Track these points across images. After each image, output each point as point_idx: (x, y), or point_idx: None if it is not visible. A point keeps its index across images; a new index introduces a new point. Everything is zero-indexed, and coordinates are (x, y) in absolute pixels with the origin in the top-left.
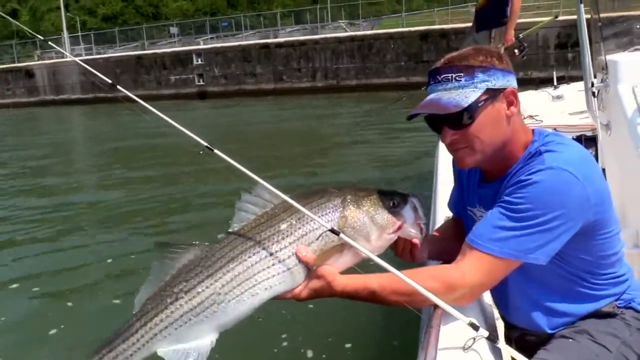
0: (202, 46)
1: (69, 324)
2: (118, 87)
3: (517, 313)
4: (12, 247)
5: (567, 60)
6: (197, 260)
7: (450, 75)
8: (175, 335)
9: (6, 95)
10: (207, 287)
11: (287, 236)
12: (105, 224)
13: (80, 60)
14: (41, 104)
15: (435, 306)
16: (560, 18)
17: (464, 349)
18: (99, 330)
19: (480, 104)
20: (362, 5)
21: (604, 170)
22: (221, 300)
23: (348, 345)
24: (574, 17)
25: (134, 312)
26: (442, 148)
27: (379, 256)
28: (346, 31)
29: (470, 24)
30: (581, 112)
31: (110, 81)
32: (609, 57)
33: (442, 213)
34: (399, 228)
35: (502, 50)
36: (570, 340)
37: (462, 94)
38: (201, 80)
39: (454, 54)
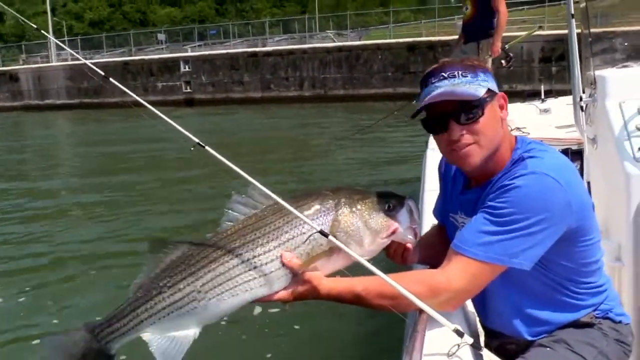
0: (189, 53)
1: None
2: (129, 91)
3: (499, 319)
4: None
5: (551, 73)
6: (184, 257)
7: (456, 71)
8: (159, 325)
9: None
10: (188, 285)
11: (273, 240)
12: (86, 227)
13: (67, 64)
14: (25, 109)
15: (421, 311)
16: (545, 32)
17: (448, 355)
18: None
19: (487, 100)
20: (350, 16)
21: (589, 184)
22: (201, 298)
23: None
24: (558, 31)
25: (127, 297)
26: (429, 156)
27: (367, 260)
28: (334, 41)
29: (456, 37)
30: (568, 126)
31: (120, 86)
32: (597, 72)
33: (429, 220)
34: (394, 232)
35: (490, 61)
36: (548, 349)
37: (471, 87)
38: (188, 87)
39: (447, 60)
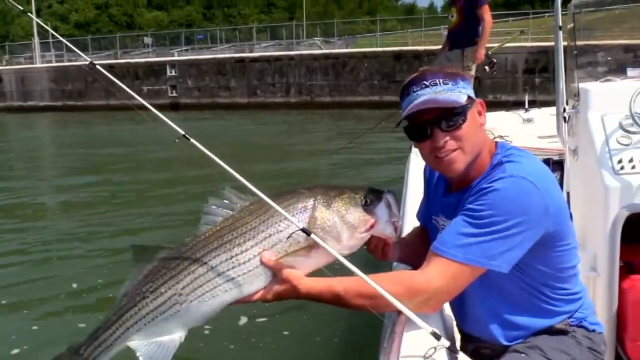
0: (176, 57)
1: (32, 343)
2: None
3: (476, 323)
4: None
5: (535, 84)
6: (165, 261)
7: (437, 79)
8: (145, 330)
9: None
10: (169, 288)
11: (250, 239)
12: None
13: (51, 66)
14: (7, 110)
15: (399, 312)
16: (528, 44)
17: (425, 357)
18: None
19: (468, 107)
20: (337, 23)
21: (568, 194)
22: (183, 301)
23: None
24: (542, 43)
25: (113, 305)
26: (413, 159)
27: (347, 258)
28: (321, 48)
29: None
30: (550, 137)
31: (125, 87)
32: (581, 85)
33: (411, 222)
34: (372, 226)
35: (474, 67)
36: (523, 355)
37: (453, 94)
38: (174, 91)
39: (427, 68)
